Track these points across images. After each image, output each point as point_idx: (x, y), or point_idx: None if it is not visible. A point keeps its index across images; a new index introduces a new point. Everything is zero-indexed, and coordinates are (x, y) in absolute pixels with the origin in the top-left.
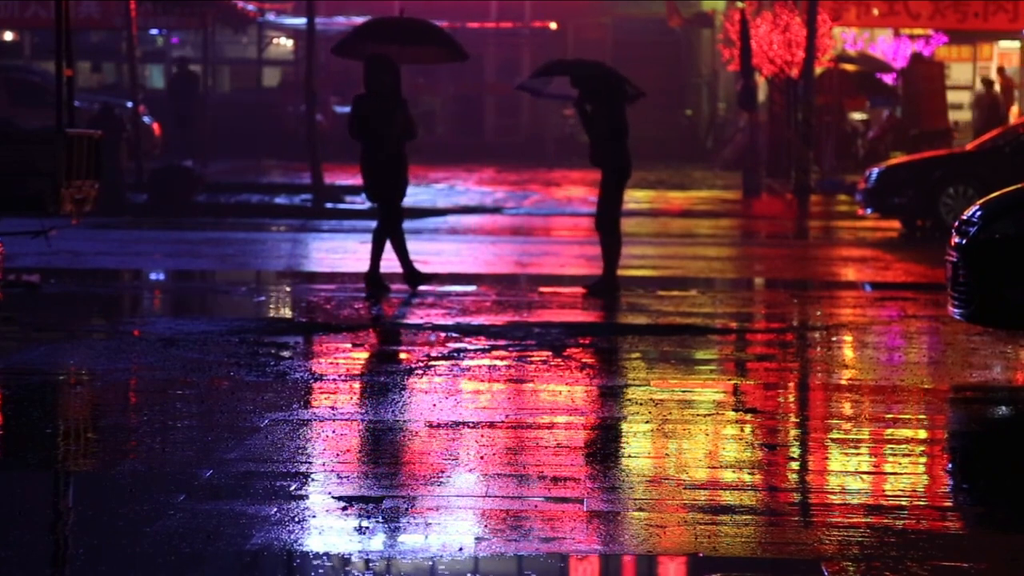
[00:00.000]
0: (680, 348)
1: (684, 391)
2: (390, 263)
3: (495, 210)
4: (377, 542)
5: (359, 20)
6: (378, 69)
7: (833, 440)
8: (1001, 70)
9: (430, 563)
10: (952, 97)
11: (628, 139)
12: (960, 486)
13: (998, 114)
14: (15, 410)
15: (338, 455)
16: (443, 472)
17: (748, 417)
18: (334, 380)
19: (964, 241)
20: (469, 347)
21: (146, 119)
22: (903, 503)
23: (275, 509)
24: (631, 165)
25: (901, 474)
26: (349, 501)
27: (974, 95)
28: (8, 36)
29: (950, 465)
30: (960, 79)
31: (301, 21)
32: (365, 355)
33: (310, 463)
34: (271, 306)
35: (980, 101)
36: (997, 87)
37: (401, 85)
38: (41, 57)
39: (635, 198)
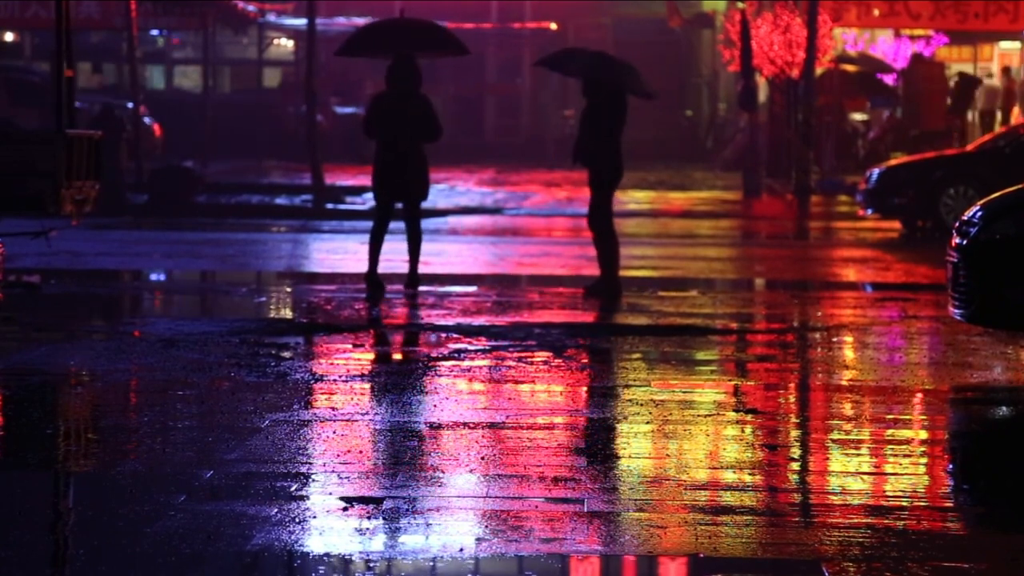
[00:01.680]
0: (680, 349)
1: (684, 391)
2: (391, 263)
3: (495, 211)
4: (378, 543)
5: (359, 20)
6: (403, 69)
7: (834, 441)
8: (1007, 70)
9: (431, 563)
10: None
11: (620, 140)
12: (960, 486)
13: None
14: (15, 410)
15: (338, 455)
16: (443, 472)
17: (748, 418)
18: (335, 380)
19: (964, 241)
20: (470, 348)
21: (146, 120)
22: (904, 503)
23: (276, 510)
24: (622, 166)
25: (902, 474)
26: (350, 502)
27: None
28: (8, 36)
29: (950, 465)
30: None
31: (301, 22)
32: (366, 355)
33: (311, 463)
34: (271, 307)
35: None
36: (997, 82)
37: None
38: (41, 57)
39: (635, 198)
